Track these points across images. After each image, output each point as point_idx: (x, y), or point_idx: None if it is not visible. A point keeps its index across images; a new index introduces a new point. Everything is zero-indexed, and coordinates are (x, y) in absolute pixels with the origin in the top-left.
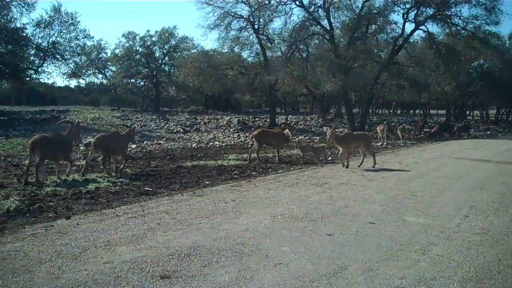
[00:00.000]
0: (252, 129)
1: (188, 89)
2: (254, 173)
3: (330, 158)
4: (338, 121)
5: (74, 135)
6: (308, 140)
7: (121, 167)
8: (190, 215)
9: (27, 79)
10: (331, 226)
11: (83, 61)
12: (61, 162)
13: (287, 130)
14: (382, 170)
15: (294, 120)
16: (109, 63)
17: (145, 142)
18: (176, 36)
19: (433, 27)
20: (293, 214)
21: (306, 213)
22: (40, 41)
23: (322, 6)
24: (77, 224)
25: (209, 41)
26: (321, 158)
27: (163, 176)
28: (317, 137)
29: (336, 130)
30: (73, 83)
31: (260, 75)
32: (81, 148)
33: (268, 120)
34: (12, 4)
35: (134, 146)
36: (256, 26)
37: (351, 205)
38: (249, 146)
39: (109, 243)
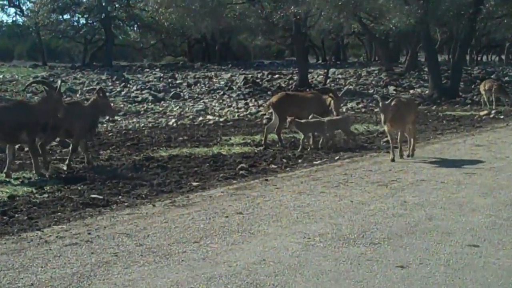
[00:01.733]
0: (269, 93)
1: (160, 30)
2: (273, 166)
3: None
4: (414, 76)
5: (52, 104)
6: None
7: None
8: (167, 239)
9: None
10: (405, 253)
11: None
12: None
13: (330, 98)
14: (488, 159)
15: (340, 76)
16: None
17: None
18: None
19: None
20: (341, 233)
21: (362, 231)
22: None
23: None
24: None
25: None
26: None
27: (121, 175)
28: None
29: (401, 97)
30: None
31: (282, 3)
32: None
33: (295, 77)
34: None
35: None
36: None
37: (438, 216)
38: (265, 121)
39: (34, 287)
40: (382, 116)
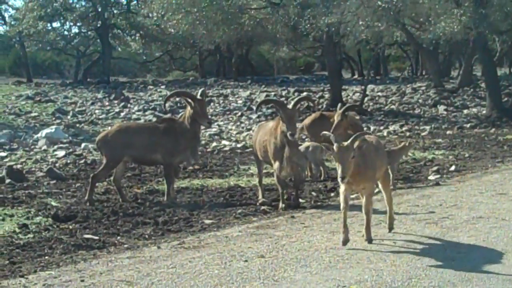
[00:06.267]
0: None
1: (166, 40)
2: (301, 200)
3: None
4: (468, 93)
5: (199, 117)
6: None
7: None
8: (175, 287)
9: None
10: None
11: None
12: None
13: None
14: None
15: (380, 93)
16: None
17: (83, 145)
18: None
19: None
20: (382, 280)
21: (407, 278)
22: None
23: None
24: None
25: None
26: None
27: (120, 212)
28: (427, 127)
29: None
30: None
31: (310, 10)
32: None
33: (327, 95)
34: None
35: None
36: None
37: (498, 259)
38: None
39: None
40: (338, 167)
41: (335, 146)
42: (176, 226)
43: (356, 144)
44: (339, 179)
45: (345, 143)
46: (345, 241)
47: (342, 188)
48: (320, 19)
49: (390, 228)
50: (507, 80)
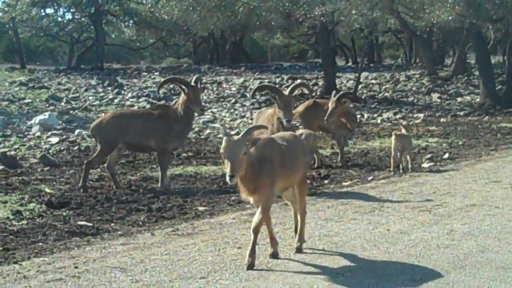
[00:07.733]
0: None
1: (160, 27)
2: None
3: (445, 156)
4: (462, 81)
5: (192, 104)
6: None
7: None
8: (169, 274)
9: None
10: None
11: None
12: None
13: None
14: None
15: (374, 81)
16: None
17: (76, 131)
18: None
19: None
20: (376, 267)
21: (401, 265)
22: None
23: None
24: None
25: None
26: None
27: (114, 199)
28: (420, 115)
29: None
30: None
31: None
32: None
33: (320, 82)
34: None
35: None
36: None
37: (491, 247)
38: None
39: None
40: (228, 166)
41: (223, 140)
42: (170, 213)
43: (248, 138)
44: (227, 179)
45: (235, 137)
46: (250, 266)
47: (241, 195)
48: (314, 7)
49: (298, 248)
50: (501, 68)
